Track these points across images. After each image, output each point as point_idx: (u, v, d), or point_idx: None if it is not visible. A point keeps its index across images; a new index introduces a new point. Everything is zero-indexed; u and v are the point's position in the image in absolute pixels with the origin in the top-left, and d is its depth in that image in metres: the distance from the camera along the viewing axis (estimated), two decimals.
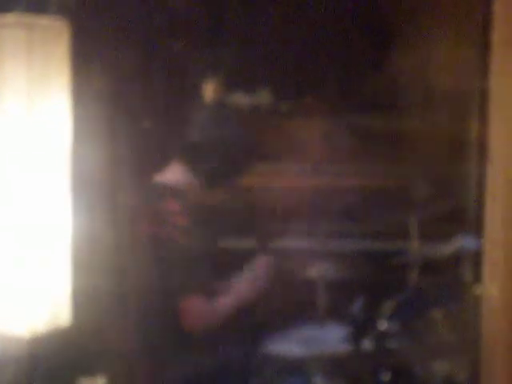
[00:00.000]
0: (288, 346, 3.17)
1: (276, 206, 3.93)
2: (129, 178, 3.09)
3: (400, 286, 3.43)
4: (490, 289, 2.03)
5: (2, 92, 2.36)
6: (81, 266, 2.22)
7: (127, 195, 3.07)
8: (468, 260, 3.29)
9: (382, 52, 4.28)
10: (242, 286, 3.16)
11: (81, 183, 2.26)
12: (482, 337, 2.07)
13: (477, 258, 2.46)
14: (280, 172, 4.15)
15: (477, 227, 2.27)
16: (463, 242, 3.29)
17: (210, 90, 3.60)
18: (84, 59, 2.41)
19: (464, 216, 3.10)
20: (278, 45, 4.09)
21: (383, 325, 3.05)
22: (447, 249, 3.38)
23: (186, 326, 3.01)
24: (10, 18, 2.09)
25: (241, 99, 4.30)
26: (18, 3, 2.27)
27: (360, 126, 4.15)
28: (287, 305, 3.51)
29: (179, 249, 3.06)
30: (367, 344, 3.00)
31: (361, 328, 3.06)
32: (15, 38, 2.07)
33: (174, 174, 3.13)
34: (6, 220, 2.11)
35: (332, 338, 3.18)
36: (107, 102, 2.98)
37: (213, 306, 3.07)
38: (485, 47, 2.06)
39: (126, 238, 3.04)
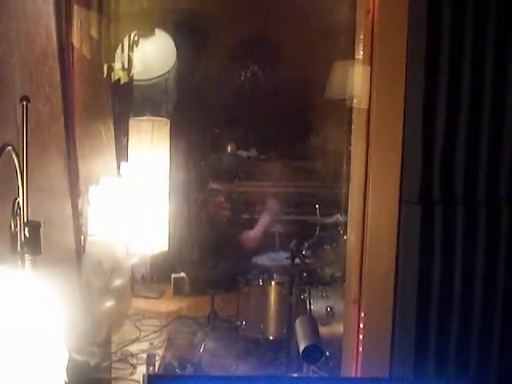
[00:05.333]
0: (263, 260, 4.72)
1: (258, 200, 5.47)
2: (196, 186, 5.03)
3: (312, 235, 4.75)
4: (350, 237, 2.58)
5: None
6: (172, 226, 4.21)
7: (196, 194, 5.01)
8: (341, 225, 4.38)
9: (305, 135, 5.69)
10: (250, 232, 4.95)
11: (173, 187, 4.25)
12: (344, 256, 2.67)
13: (345, 224, 3.09)
14: (260, 185, 5.73)
15: (345, 210, 2.81)
16: (339, 217, 4.54)
17: (229, 148, 5.50)
18: (176, 138, 4.41)
19: (340, 205, 4.22)
20: (259, 132, 5.70)
21: (304, 252, 4.52)
22: (332, 219, 4.68)
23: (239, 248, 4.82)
24: (144, 118, 4.24)
25: (242, 153, 5.88)
26: (147, 111, 4.37)
27: (295, 165, 5.84)
28: (264, 243, 4.99)
29: (223, 218, 4.96)
30: (297, 260, 4.26)
31: (295, 253, 4.28)
32: (146, 126, 4.21)
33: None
34: (146, 199, 4.06)
35: (282, 257, 4.52)
36: (185, 154, 4.90)
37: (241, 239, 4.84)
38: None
39: (195, 214, 4.99)
